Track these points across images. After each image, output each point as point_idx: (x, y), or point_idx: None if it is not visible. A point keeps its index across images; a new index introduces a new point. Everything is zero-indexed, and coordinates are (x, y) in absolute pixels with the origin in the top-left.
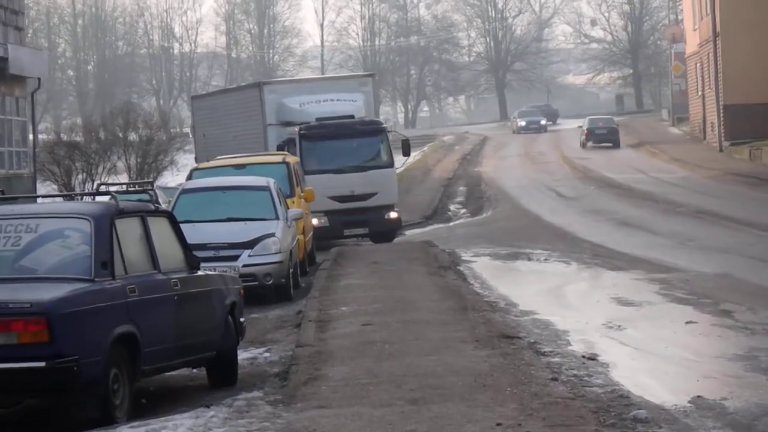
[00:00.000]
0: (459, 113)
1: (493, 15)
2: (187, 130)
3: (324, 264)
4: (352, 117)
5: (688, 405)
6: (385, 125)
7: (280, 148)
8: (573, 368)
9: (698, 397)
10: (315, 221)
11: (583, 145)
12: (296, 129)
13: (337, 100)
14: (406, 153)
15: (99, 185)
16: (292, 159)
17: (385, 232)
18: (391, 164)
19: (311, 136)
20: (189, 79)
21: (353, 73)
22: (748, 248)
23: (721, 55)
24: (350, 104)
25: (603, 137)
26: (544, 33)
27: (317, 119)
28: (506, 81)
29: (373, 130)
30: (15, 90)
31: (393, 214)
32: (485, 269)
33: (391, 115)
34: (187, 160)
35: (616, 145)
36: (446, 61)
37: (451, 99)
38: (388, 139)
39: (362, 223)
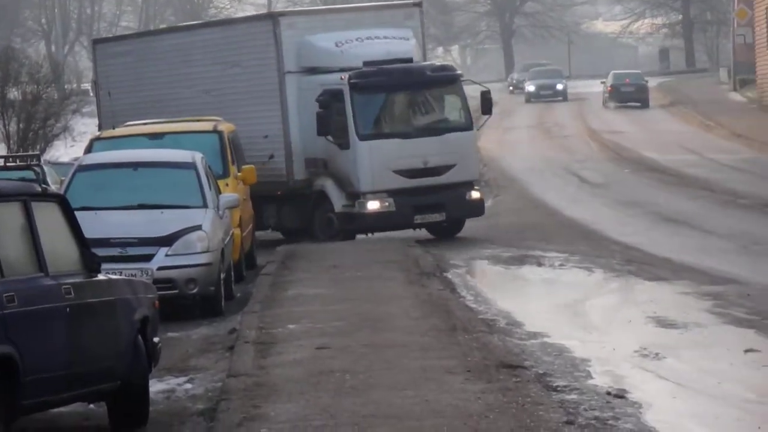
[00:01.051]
0: None
1: None
2: (87, 86)
3: (268, 267)
4: (411, 61)
5: None
6: (459, 72)
7: (323, 103)
8: (594, 408)
9: None
10: (376, 204)
11: (605, 104)
12: (344, 76)
13: (387, 37)
14: (486, 110)
15: None
16: (227, 126)
17: (461, 220)
18: (470, 125)
19: (367, 86)
20: (90, 18)
21: (394, 2)
22: None
23: None
24: (404, 43)
25: (629, 95)
26: None
27: (365, 63)
28: (514, 27)
29: (447, 77)
30: None
31: (475, 194)
32: (481, 277)
33: None
34: (86, 127)
35: (644, 104)
36: None
37: (441, 50)
38: (463, 91)
39: (438, 207)
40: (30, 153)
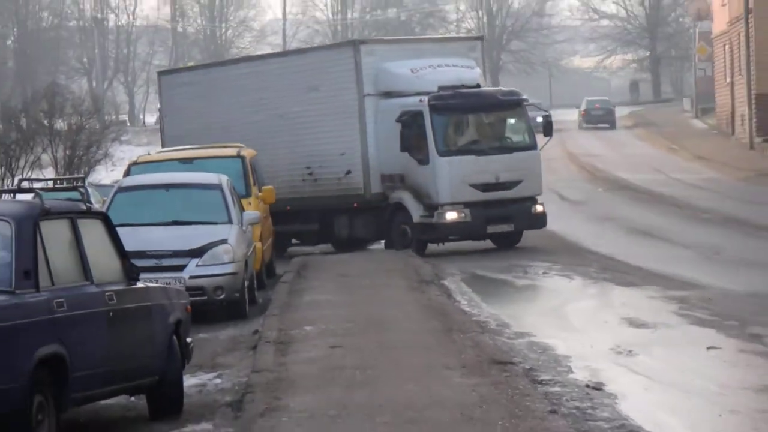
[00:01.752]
0: None
1: None
2: (124, 117)
3: (285, 276)
4: (479, 85)
5: None
6: (524, 96)
7: (405, 123)
8: (575, 399)
9: None
10: (454, 215)
11: (580, 126)
12: (423, 100)
13: (456, 66)
14: (548, 133)
15: (21, 181)
16: (249, 152)
17: (524, 231)
18: (535, 145)
19: (445, 108)
20: (126, 57)
21: (459, 35)
22: None
23: (754, 35)
24: (471, 71)
25: (598, 118)
26: (547, 7)
27: (440, 87)
28: (501, 63)
29: (514, 101)
30: None
31: (539, 208)
32: (474, 284)
33: None
34: (124, 153)
35: (612, 125)
36: None
37: None
38: (527, 114)
39: (507, 218)
40: (75, 176)
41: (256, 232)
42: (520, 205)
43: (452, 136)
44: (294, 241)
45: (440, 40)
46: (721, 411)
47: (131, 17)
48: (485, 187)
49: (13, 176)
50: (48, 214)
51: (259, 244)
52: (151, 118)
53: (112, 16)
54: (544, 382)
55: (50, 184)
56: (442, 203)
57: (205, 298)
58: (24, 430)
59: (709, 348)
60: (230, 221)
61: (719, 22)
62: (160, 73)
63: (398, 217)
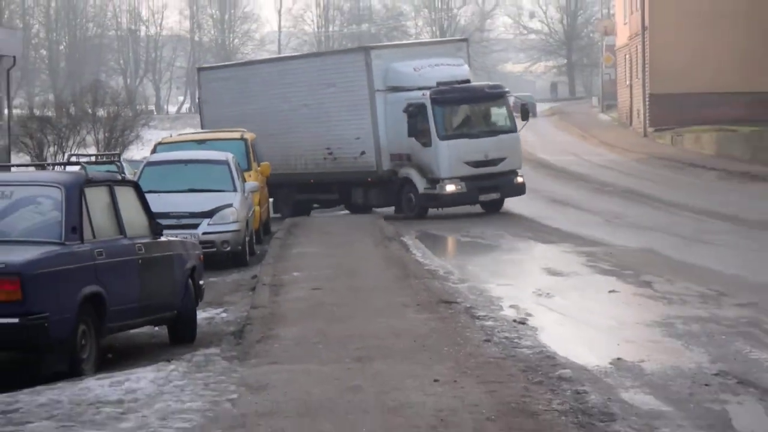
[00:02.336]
0: None
1: (439, 5)
2: (152, 107)
3: (278, 233)
4: (469, 81)
5: (609, 366)
6: (506, 89)
7: (411, 113)
8: (505, 331)
9: (618, 359)
10: (453, 187)
11: None
12: (425, 94)
13: (450, 64)
14: (525, 117)
15: (69, 156)
16: (250, 135)
17: (506, 198)
18: (515, 129)
19: (443, 100)
20: (154, 60)
21: (448, 38)
22: (669, 226)
23: (648, 48)
24: (462, 68)
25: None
26: (487, 24)
27: (440, 83)
28: None
29: (499, 94)
30: None
31: (520, 179)
32: (426, 241)
33: None
34: (151, 136)
35: (534, 114)
36: None
37: None
38: (509, 103)
39: (494, 188)
40: (112, 153)
41: (255, 198)
42: (505, 178)
43: (450, 123)
44: (315, 205)
45: (433, 43)
46: (618, 341)
47: (158, 28)
48: (477, 164)
49: (63, 153)
50: (90, 182)
51: (257, 208)
52: (173, 108)
53: (143, 28)
54: (480, 317)
55: (93, 159)
56: (443, 178)
57: (215, 249)
58: (71, 353)
59: (610, 291)
60: (235, 189)
61: (621, 37)
62: (200, 69)
63: (406, 188)
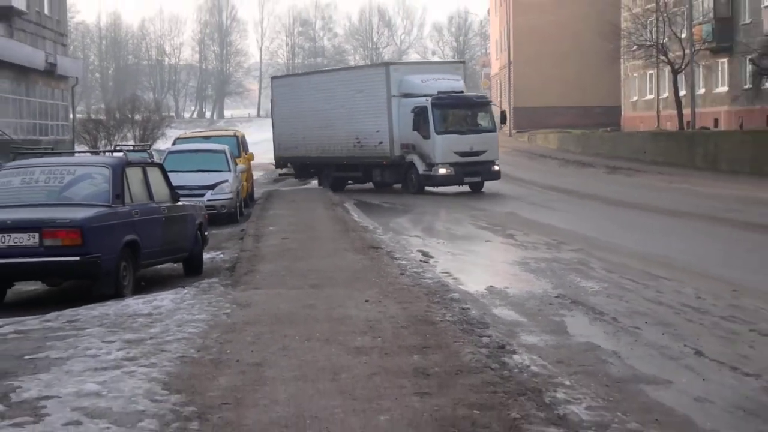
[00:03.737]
0: None
1: (370, 45)
2: (172, 114)
3: (259, 201)
4: (462, 92)
5: (484, 291)
6: (490, 99)
7: (416, 113)
8: (414, 267)
9: (491, 286)
10: (444, 170)
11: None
12: (427, 99)
13: (449, 79)
14: (503, 121)
15: (115, 146)
16: (239, 133)
17: (486, 181)
18: (495, 129)
19: (441, 105)
20: (174, 81)
21: (449, 60)
22: (526, 196)
23: (513, 75)
24: (458, 82)
25: None
26: (402, 58)
27: (440, 92)
28: None
29: (484, 102)
30: (61, 85)
31: (496, 167)
32: (361, 207)
33: None
34: (172, 133)
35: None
36: None
37: None
38: (492, 110)
39: (476, 173)
40: (145, 144)
41: (243, 176)
42: (484, 165)
43: (445, 122)
44: (349, 182)
45: (438, 63)
46: (491, 274)
47: (177, 59)
48: (463, 154)
49: (111, 144)
50: (129, 163)
51: (245, 183)
52: (187, 115)
53: (166, 58)
54: (397, 258)
55: (131, 148)
56: (437, 163)
57: (216, 211)
58: (116, 281)
59: (486, 241)
60: (229, 170)
61: (495, 68)
62: (272, 78)
63: (410, 170)
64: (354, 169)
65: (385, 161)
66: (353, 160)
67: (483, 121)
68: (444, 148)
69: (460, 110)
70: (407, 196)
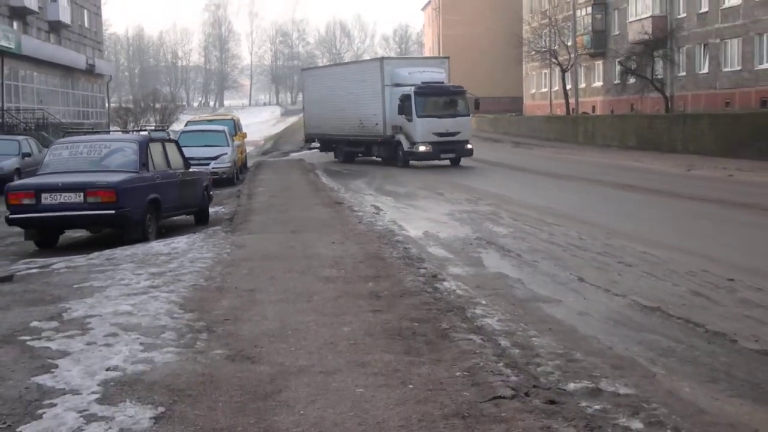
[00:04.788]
0: None
1: (334, 51)
2: (185, 103)
3: (251, 169)
4: (443, 83)
5: (422, 235)
6: (465, 89)
7: (401, 100)
8: (368, 217)
9: (426, 231)
10: (424, 148)
11: None
12: (411, 88)
13: (433, 72)
14: (476, 107)
15: (141, 127)
16: (235, 117)
17: (462, 157)
18: (468, 113)
19: (423, 93)
20: (185, 78)
21: (435, 56)
22: (449, 173)
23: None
24: (440, 74)
25: None
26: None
27: (423, 83)
28: None
29: (459, 91)
30: (98, 81)
31: (469, 146)
32: (329, 173)
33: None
34: (184, 117)
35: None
36: None
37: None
38: (466, 98)
39: (452, 151)
40: (164, 125)
41: (239, 150)
42: (459, 144)
43: (425, 108)
44: (359, 155)
45: (425, 58)
46: (426, 221)
47: (187, 61)
48: (441, 135)
49: (137, 125)
50: (152, 140)
51: (240, 155)
52: (195, 104)
53: (179, 61)
54: (356, 210)
55: (153, 128)
56: (418, 142)
57: (218, 176)
58: (143, 229)
59: (422, 198)
60: (228, 145)
61: None
62: (302, 69)
63: (398, 147)
64: (359, 145)
65: (379, 139)
66: (358, 138)
67: (458, 107)
68: (424, 129)
69: (438, 98)
70: (375, 166)
